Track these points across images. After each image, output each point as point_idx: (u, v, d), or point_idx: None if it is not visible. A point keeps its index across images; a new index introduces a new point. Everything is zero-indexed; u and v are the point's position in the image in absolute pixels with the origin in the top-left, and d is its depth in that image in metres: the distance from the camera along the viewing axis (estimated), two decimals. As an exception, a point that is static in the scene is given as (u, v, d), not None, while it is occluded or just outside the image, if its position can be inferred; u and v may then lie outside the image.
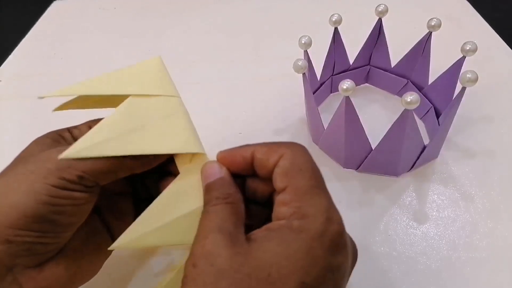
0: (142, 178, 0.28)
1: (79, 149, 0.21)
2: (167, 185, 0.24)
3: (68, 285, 0.23)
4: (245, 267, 0.18)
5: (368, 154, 0.36)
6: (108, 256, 0.27)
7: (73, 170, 0.21)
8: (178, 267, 0.25)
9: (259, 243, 0.19)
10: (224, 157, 0.23)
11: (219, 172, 0.23)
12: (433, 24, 0.38)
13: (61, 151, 0.21)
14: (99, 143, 0.22)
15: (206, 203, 0.22)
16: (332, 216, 0.20)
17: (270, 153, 0.22)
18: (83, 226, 0.24)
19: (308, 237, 0.19)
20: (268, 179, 0.22)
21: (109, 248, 0.22)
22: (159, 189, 0.26)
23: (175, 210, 0.23)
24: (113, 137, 0.22)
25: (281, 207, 0.20)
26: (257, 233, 0.20)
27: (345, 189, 0.37)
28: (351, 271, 0.21)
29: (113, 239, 0.26)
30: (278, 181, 0.21)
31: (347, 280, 0.21)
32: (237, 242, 0.19)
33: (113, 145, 0.22)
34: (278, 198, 0.21)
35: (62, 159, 0.21)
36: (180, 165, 0.24)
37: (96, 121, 0.25)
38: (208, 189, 0.23)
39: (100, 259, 0.26)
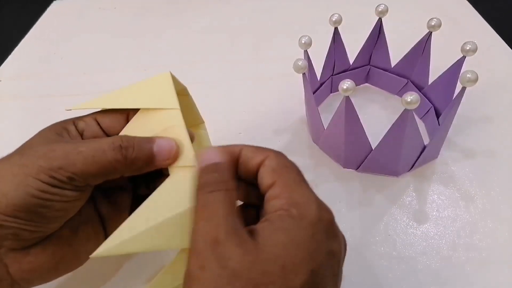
0: (144, 175, 0.28)
1: None
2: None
3: (52, 271, 0.24)
4: (258, 265, 0.18)
5: (368, 154, 0.36)
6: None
7: (63, 172, 0.21)
8: (167, 266, 0.25)
9: (265, 237, 0.19)
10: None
11: (218, 157, 0.22)
12: (433, 24, 0.38)
13: (53, 149, 0.22)
14: None
15: (202, 186, 0.21)
16: (321, 204, 0.21)
17: (257, 153, 0.22)
18: (76, 215, 0.24)
19: (309, 223, 0.19)
20: (248, 178, 0.23)
21: (91, 256, 0.22)
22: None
23: (161, 213, 0.22)
24: None
25: (272, 201, 0.21)
26: (258, 227, 0.20)
27: (345, 189, 0.37)
28: (343, 262, 0.22)
29: (106, 231, 0.27)
30: (266, 178, 0.22)
31: (342, 268, 0.21)
32: (243, 239, 0.19)
33: None
34: (269, 193, 0.21)
35: (55, 157, 0.21)
36: (171, 169, 0.24)
37: (100, 113, 0.26)
38: (204, 171, 0.22)
39: (88, 249, 0.25)
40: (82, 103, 0.26)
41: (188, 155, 0.24)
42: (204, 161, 0.22)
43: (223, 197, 0.20)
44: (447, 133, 0.38)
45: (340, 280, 0.21)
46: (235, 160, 0.23)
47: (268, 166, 0.22)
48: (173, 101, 0.26)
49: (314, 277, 0.18)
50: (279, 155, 0.23)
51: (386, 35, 0.43)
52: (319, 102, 0.45)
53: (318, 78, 0.44)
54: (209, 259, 0.18)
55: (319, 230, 0.19)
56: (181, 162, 0.24)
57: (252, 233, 0.19)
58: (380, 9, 0.40)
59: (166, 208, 0.22)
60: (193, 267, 0.19)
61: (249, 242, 0.19)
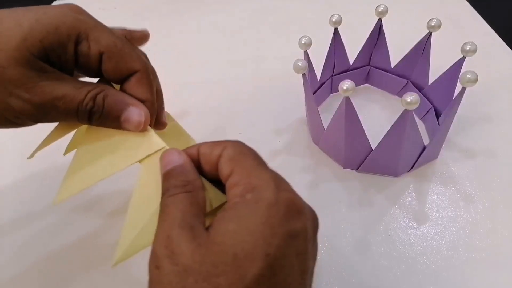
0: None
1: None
2: None
3: None
4: (208, 257, 0.18)
5: (368, 154, 0.36)
6: None
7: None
8: None
9: (217, 227, 0.19)
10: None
11: (178, 159, 0.22)
12: (433, 24, 0.38)
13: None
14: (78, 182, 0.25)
15: (164, 192, 0.21)
16: (280, 184, 0.20)
17: (214, 146, 0.22)
18: None
19: (263, 207, 0.19)
20: (212, 175, 0.23)
21: (112, 266, 0.22)
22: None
23: (148, 208, 0.23)
24: (84, 169, 0.25)
25: (232, 189, 0.20)
26: (215, 219, 0.20)
27: (345, 189, 0.37)
28: (314, 237, 0.21)
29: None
30: (225, 168, 0.21)
31: (313, 247, 0.21)
32: (197, 233, 0.19)
33: (86, 176, 0.25)
34: (228, 182, 0.21)
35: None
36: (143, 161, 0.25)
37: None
38: (166, 176, 0.22)
39: None
40: (40, 145, 0.27)
41: (151, 141, 0.24)
42: (166, 166, 0.22)
43: (182, 199, 0.20)
44: (447, 133, 0.38)
45: (313, 259, 0.21)
46: (196, 160, 0.23)
47: (225, 156, 0.22)
48: None
49: (272, 261, 0.18)
50: (236, 143, 0.22)
51: (386, 36, 0.43)
52: (319, 102, 0.45)
53: (318, 79, 0.44)
54: (163, 258, 0.18)
55: (276, 212, 0.19)
56: (147, 150, 0.24)
57: (208, 227, 0.19)
58: (380, 10, 0.41)
59: (151, 202, 0.23)
60: (151, 267, 0.19)
61: (202, 236, 0.19)
